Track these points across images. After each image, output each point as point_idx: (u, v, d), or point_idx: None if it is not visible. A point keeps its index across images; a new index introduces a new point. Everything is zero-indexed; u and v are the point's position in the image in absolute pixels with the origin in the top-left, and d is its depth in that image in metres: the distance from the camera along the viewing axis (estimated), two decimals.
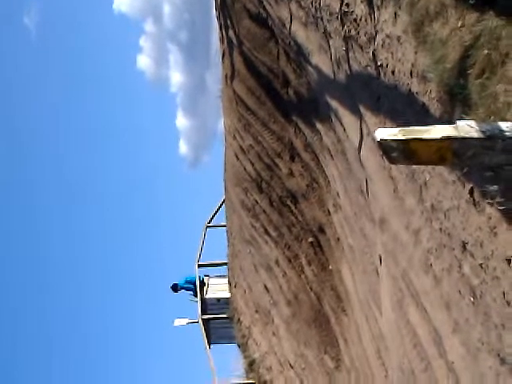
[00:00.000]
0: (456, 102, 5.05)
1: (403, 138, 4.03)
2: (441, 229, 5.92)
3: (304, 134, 12.83)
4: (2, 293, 70.84)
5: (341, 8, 7.92)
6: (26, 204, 75.89)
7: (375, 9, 6.82)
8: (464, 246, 5.36)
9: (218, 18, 15.85)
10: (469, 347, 5.60)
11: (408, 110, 6.26)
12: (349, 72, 8.34)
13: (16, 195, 73.23)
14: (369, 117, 7.90)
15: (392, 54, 6.48)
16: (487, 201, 4.79)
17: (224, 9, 15.03)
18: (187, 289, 24.15)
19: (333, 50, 8.87)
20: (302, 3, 9.81)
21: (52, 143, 76.01)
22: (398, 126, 4.24)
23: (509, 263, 4.60)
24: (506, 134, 3.79)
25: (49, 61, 75.28)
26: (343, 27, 7.99)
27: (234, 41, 14.53)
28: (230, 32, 14.71)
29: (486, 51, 4.67)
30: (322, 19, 9.00)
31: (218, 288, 23.95)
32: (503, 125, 3.84)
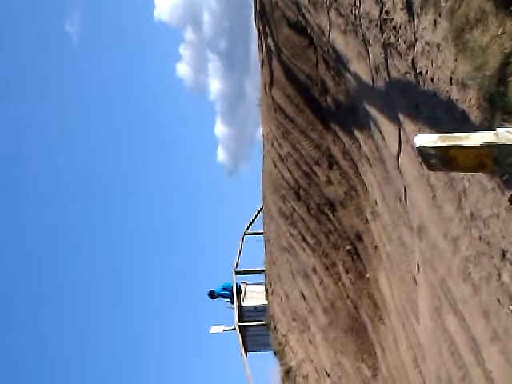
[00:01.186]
0: (496, 110, 5.03)
1: (442, 144, 4.03)
2: (480, 237, 5.89)
3: (342, 141, 12.82)
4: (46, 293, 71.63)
5: (380, 15, 7.92)
6: (62, 205, 76.67)
7: (415, 16, 6.81)
8: (503, 254, 5.32)
9: (257, 26, 15.94)
10: (507, 356, 5.56)
11: (447, 118, 6.24)
12: (388, 79, 8.33)
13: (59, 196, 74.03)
14: (407, 124, 7.88)
15: (431, 61, 6.47)
16: None
17: (263, 17, 15.11)
18: (224, 296, 24.22)
19: (372, 58, 8.86)
20: (342, 11, 9.82)
21: (91, 148, 76.79)
22: (437, 133, 4.25)
23: None
24: None
25: (89, 68, 76.27)
26: (382, 34, 7.98)
27: (273, 49, 14.59)
28: (269, 40, 14.77)
29: None
30: (361, 26, 9.00)
31: (254, 295, 23.97)
32: None
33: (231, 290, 23.76)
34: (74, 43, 70.43)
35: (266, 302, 22.37)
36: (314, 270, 15.66)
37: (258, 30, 15.88)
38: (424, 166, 4.38)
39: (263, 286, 22.90)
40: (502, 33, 4.96)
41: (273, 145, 16.43)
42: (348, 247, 13.88)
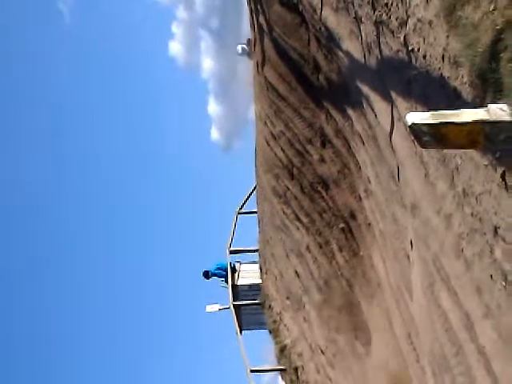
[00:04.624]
0: (488, 86, 5.03)
1: (434, 122, 4.04)
2: (472, 213, 5.92)
3: (335, 119, 12.81)
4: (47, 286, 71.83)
5: None
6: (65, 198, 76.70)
7: None
8: (496, 230, 5.35)
9: (249, 4, 15.84)
10: (500, 332, 5.61)
11: (439, 95, 6.24)
12: (380, 57, 8.32)
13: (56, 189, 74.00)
14: (400, 102, 7.88)
15: (423, 38, 6.45)
16: None
17: None
18: (218, 275, 24.22)
19: (364, 35, 8.84)
20: None
21: (83, 129, 76.55)
22: (429, 111, 4.25)
23: None
24: None
25: (81, 46, 75.84)
26: (374, 12, 7.96)
27: (265, 27, 14.52)
28: (261, 18, 14.70)
29: None
30: (352, 4, 8.98)
31: (249, 274, 23.99)
32: None
33: (225, 270, 23.77)
34: (66, 21, 69.93)
35: (260, 281, 22.41)
36: (307, 248, 15.70)
37: (250, 8, 15.79)
38: (416, 143, 4.40)
39: (257, 265, 22.94)
40: (494, 9, 4.95)
41: (265, 123, 16.40)
42: (341, 225, 13.91)
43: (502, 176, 5.03)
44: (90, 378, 65.92)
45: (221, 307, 23.91)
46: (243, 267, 24.50)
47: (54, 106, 72.33)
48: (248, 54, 23.59)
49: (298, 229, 16.08)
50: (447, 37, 5.79)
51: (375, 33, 8.18)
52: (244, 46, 24.61)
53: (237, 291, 23.52)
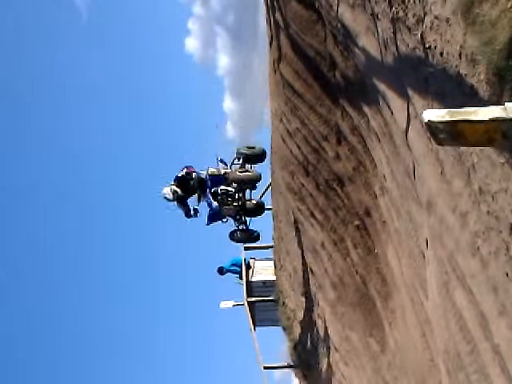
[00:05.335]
0: (505, 84, 5.01)
1: (451, 119, 4.03)
2: (488, 211, 5.90)
3: (351, 117, 12.79)
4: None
5: None
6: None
7: None
8: None
9: (265, 1, 15.85)
10: None
11: (456, 93, 6.22)
12: (396, 54, 8.29)
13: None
14: (416, 99, 7.86)
15: (440, 35, 6.43)
16: None
17: None
18: (233, 271, 24.30)
19: (380, 32, 8.82)
20: None
21: (96, 126, 76.78)
22: (445, 108, 4.24)
23: None
24: None
25: (98, 42, 76.10)
26: (391, 9, 7.94)
27: (281, 23, 14.51)
28: (277, 15, 14.69)
29: None
30: (369, 1, 8.95)
31: (263, 271, 24.06)
32: None
33: (240, 266, 23.84)
34: (84, 17, 70.23)
35: (274, 278, 22.46)
36: (322, 245, 15.70)
37: (266, 5, 15.79)
38: (433, 140, 4.39)
39: (272, 262, 22.98)
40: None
41: (281, 120, 16.41)
42: (356, 223, 13.89)
43: None
44: (105, 375, 66.37)
45: (235, 303, 24.01)
46: (258, 264, 24.58)
47: (70, 102, 72.69)
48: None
49: (312, 226, 16.08)
50: (464, 34, 5.77)
51: (392, 30, 8.15)
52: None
53: (251, 288, 23.60)
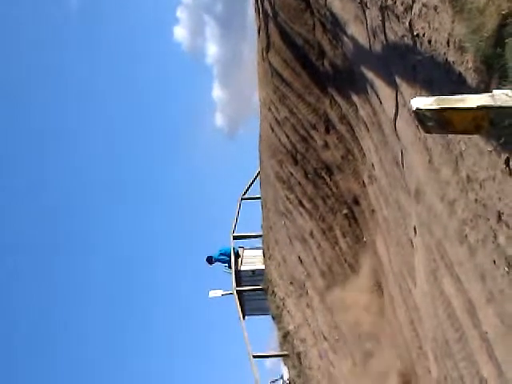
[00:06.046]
0: (493, 72, 5.01)
1: (439, 107, 4.03)
2: (476, 199, 5.91)
3: (339, 105, 12.79)
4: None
5: None
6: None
7: None
8: (499, 216, 5.34)
9: None
10: (503, 318, 5.61)
11: (444, 80, 6.23)
12: (385, 42, 8.29)
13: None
14: (405, 88, 7.86)
15: (429, 23, 6.43)
16: None
17: None
18: (222, 261, 24.26)
19: (369, 21, 8.81)
20: None
21: (87, 117, 76.54)
22: (433, 96, 4.24)
23: None
24: None
25: (86, 32, 75.74)
26: None
27: (270, 12, 14.48)
28: (266, 3, 14.66)
29: None
30: None
31: (252, 260, 24.02)
32: None
33: (229, 255, 23.80)
34: (72, 6, 69.89)
35: (263, 267, 22.43)
36: (311, 234, 15.71)
37: None
38: (421, 128, 4.39)
39: (261, 251, 22.96)
40: None
41: (270, 109, 16.38)
42: (345, 211, 13.92)
43: (506, 162, 5.02)
44: (96, 371, 66.48)
45: (224, 293, 23.95)
46: (246, 253, 24.52)
47: (60, 94, 72.43)
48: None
49: (301, 214, 16.09)
50: (452, 22, 5.77)
51: (380, 18, 8.15)
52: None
53: (240, 277, 23.55)
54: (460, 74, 5.73)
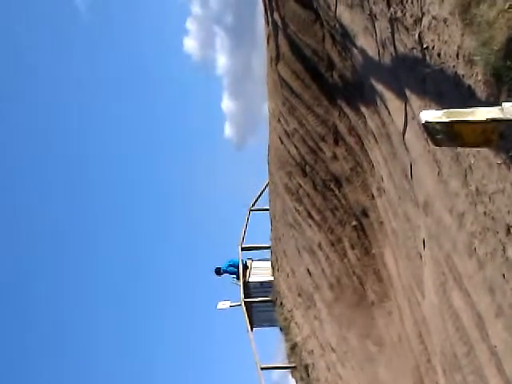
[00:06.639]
0: (502, 85, 5.00)
1: (448, 120, 4.02)
2: (485, 212, 5.89)
3: (348, 117, 12.79)
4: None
5: None
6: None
7: None
8: (508, 229, 5.33)
9: (263, 1, 15.83)
10: None
11: (454, 93, 6.22)
12: (394, 55, 8.29)
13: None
14: (414, 100, 7.85)
15: (438, 36, 6.42)
16: None
17: None
18: (230, 272, 24.24)
19: (378, 33, 8.81)
20: None
21: (98, 124, 76.84)
22: (443, 109, 4.23)
23: None
24: None
25: (97, 42, 76.14)
26: (389, 9, 7.93)
27: (279, 23, 14.50)
28: (275, 15, 14.68)
29: None
30: (367, 1, 8.94)
31: (260, 271, 23.99)
32: None
33: (237, 266, 23.78)
34: (83, 17, 70.22)
35: (272, 278, 22.41)
36: (319, 246, 15.69)
37: (264, 5, 15.77)
38: (430, 141, 4.38)
39: (269, 262, 22.94)
40: (509, 7, 4.92)
41: (279, 121, 16.39)
42: (354, 223, 13.89)
43: None
44: (104, 375, 66.43)
45: (232, 304, 23.91)
46: (255, 264, 24.50)
47: (69, 102, 72.74)
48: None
49: (310, 226, 16.07)
50: (462, 35, 5.76)
51: (390, 30, 8.14)
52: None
53: (248, 288, 23.52)
54: (469, 86, 5.72)
